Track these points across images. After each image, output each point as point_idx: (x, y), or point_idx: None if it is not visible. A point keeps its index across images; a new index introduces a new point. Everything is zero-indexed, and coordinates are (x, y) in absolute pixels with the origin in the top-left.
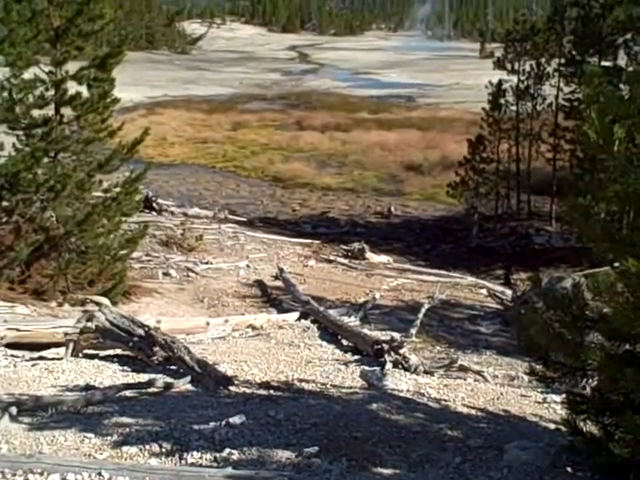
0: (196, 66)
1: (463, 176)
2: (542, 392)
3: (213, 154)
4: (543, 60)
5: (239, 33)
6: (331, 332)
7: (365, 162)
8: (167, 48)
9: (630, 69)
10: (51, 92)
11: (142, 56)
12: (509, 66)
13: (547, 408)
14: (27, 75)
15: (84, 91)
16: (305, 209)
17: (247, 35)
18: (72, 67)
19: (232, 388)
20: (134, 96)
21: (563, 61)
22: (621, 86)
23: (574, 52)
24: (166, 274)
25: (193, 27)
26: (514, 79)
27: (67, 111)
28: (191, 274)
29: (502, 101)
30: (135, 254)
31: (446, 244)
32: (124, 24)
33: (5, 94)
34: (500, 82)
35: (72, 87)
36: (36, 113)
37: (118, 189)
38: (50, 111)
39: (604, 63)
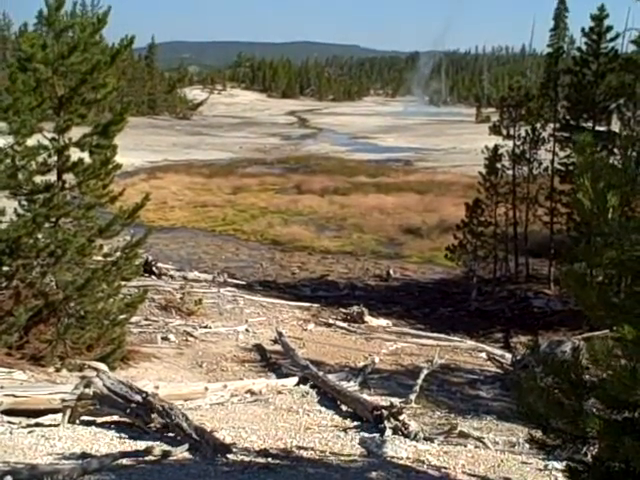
0: (197, 131)
1: (461, 239)
2: (543, 459)
3: (213, 217)
4: (538, 125)
5: (239, 99)
6: (330, 397)
7: (364, 225)
8: (168, 114)
9: (623, 134)
10: (54, 159)
11: (144, 121)
12: (505, 131)
13: (549, 475)
14: (30, 142)
15: (86, 157)
16: (304, 272)
17: (247, 101)
18: (75, 134)
19: (230, 456)
20: (135, 161)
21: (558, 126)
22: (615, 150)
23: (568, 117)
24: (165, 338)
25: (194, 93)
26: (510, 144)
27: (69, 177)
28: (190, 338)
29: (498, 165)
30: (134, 318)
31: (445, 307)
32: (127, 91)
33: (8, 161)
34: (496, 147)
35: (75, 154)
36: (38, 179)
37: (118, 253)
38: (52, 177)
39: (598, 128)
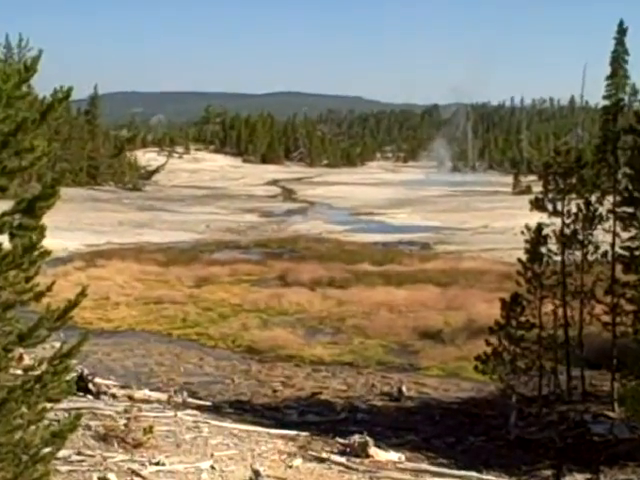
0: (150, 205)
1: (496, 346)
2: None
3: (170, 318)
4: (593, 199)
5: (206, 164)
6: None
7: (368, 328)
8: (114, 183)
9: None
10: None
11: (82, 193)
12: (550, 206)
13: None
14: None
15: (5, 242)
16: (289, 390)
17: (216, 167)
18: None
19: None
20: (70, 244)
21: (618, 199)
22: None
23: (631, 188)
24: (103, 479)
25: (148, 157)
26: (558, 222)
27: None
28: (137, 479)
29: (543, 250)
30: (62, 452)
31: (475, 436)
32: (61, 155)
33: None
34: (540, 226)
35: None
36: None
37: (44, 366)
38: None
39: None
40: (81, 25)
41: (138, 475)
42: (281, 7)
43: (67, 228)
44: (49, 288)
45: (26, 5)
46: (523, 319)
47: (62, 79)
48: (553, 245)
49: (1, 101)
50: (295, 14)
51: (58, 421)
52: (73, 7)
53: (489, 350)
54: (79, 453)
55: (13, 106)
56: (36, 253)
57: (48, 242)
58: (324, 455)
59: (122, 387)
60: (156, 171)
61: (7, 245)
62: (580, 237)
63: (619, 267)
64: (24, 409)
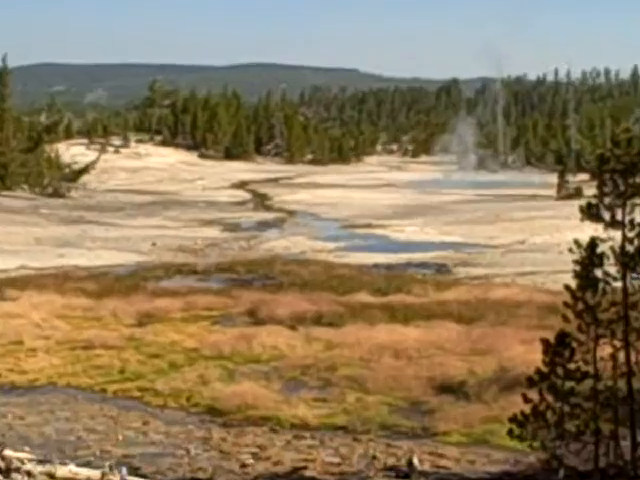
0: (78, 217)
1: (537, 403)
2: None
3: (104, 368)
4: None
5: (152, 161)
6: None
7: (367, 379)
8: (29, 187)
9: None
10: None
11: None
12: (607, 215)
13: None
14: None
15: None
16: (263, 464)
17: (165, 164)
18: None
19: None
20: None
21: None
22: None
23: None
24: None
25: (74, 152)
26: (618, 236)
27: None
28: None
29: (598, 273)
30: None
31: None
32: None
33: None
34: (594, 241)
35: None
36: None
37: None
38: None
39: None
40: None
41: None
42: None
43: None
44: None
45: None
46: (573, 366)
47: None
48: (612, 267)
49: None
50: None
51: None
52: None
53: (528, 409)
54: None
55: None
56: None
57: None
58: None
59: (40, 462)
60: (85, 170)
61: None
62: None
63: None
64: None
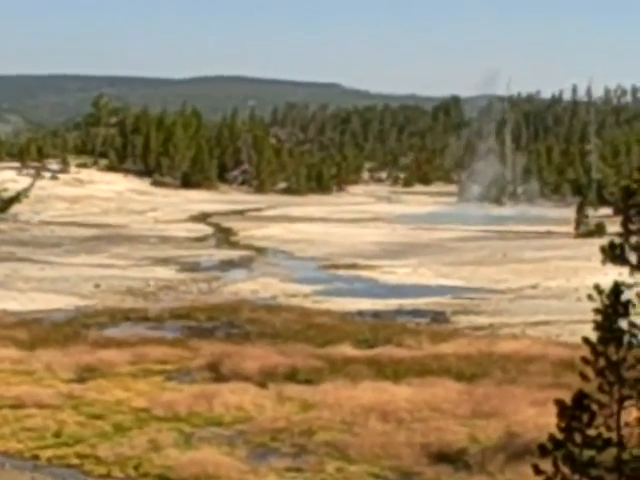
0: (8, 254)
1: (550, 475)
2: None
3: (36, 431)
4: None
5: (96, 189)
6: None
7: (350, 446)
8: None
9: None
10: None
11: None
12: (634, 256)
13: None
14: None
15: None
16: None
17: (112, 193)
18: None
19: None
20: None
21: None
22: None
23: None
24: None
25: (3, 177)
26: None
27: None
28: None
29: (623, 324)
30: None
31: None
32: None
33: None
34: (618, 287)
35: None
36: None
37: None
38: None
39: None
40: None
41: None
42: None
43: None
44: None
45: None
46: (593, 433)
47: None
48: (639, 317)
49: None
50: None
51: None
52: None
53: None
54: None
55: None
56: None
57: None
58: None
59: None
60: (16, 199)
61: None
62: None
63: None
64: None
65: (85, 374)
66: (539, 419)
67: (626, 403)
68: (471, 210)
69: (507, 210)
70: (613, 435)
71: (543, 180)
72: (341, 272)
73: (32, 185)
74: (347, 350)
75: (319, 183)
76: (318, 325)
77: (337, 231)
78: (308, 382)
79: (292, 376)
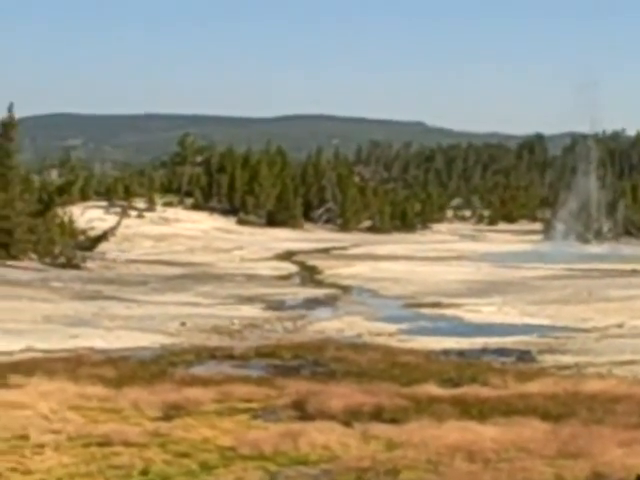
0: (94, 292)
1: None
2: None
3: (123, 469)
4: None
5: (181, 227)
6: None
7: None
8: (38, 256)
9: None
10: None
11: None
12: None
13: None
14: None
15: None
16: None
17: (197, 231)
18: None
19: None
20: None
21: None
22: None
23: None
24: None
25: (91, 216)
26: None
27: None
28: None
29: None
30: None
31: None
32: None
33: None
34: None
35: None
36: None
37: None
38: None
39: None
40: None
41: None
42: None
43: None
44: None
45: None
46: None
47: None
48: None
49: None
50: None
51: None
52: None
53: None
54: None
55: None
56: None
57: None
58: None
59: None
60: (103, 238)
61: None
62: None
63: None
64: None
65: (171, 412)
66: (626, 459)
67: None
68: (558, 248)
69: (595, 248)
70: None
71: (629, 219)
72: (425, 310)
73: (119, 223)
74: (432, 389)
75: (403, 221)
76: (403, 364)
77: (421, 269)
78: (393, 421)
79: (377, 415)
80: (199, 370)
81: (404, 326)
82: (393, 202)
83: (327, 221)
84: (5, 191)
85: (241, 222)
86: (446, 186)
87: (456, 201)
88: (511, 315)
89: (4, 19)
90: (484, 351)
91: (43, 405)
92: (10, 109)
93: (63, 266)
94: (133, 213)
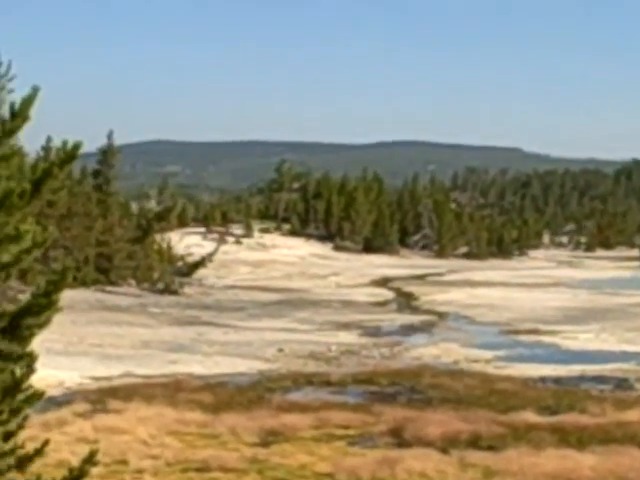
0: (192, 317)
1: None
2: None
3: None
4: None
5: (278, 253)
6: None
7: None
8: (136, 282)
9: None
10: None
11: (87, 297)
12: None
13: None
14: None
15: None
16: None
17: (294, 257)
18: None
19: None
20: (68, 376)
21: None
22: None
23: None
24: None
25: (189, 242)
26: None
27: None
28: None
29: None
30: None
31: None
32: (56, 240)
33: None
34: None
35: None
36: None
37: None
38: None
39: None
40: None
41: None
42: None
43: (63, 351)
44: (39, 450)
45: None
46: None
47: (58, 123)
48: None
49: None
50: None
51: None
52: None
53: None
54: None
55: None
56: (21, 396)
57: (36, 374)
58: None
59: None
60: (201, 264)
61: None
62: None
63: None
64: None
65: (269, 438)
66: None
67: None
68: None
69: None
70: None
71: None
72: (522, 337)
73: (217, 250)
74: (530, 416)
75: (499, 247)
76: (500, 391)
77: (518, 296)
78: (491, 449)
79: (474, 442)
80: (296, 396)
81: (501, 353)
82: (489, 228)
83: (423, 247)
84: (105, 218)
85: (337, 248)
86: (543, 212)
87: (569, 226)
88: (609, 342)
89: (107, 49)
90: (582, 378)
91: (142, 430)
92: (110, 136)
93: (161, 292)
94: (230, 239)
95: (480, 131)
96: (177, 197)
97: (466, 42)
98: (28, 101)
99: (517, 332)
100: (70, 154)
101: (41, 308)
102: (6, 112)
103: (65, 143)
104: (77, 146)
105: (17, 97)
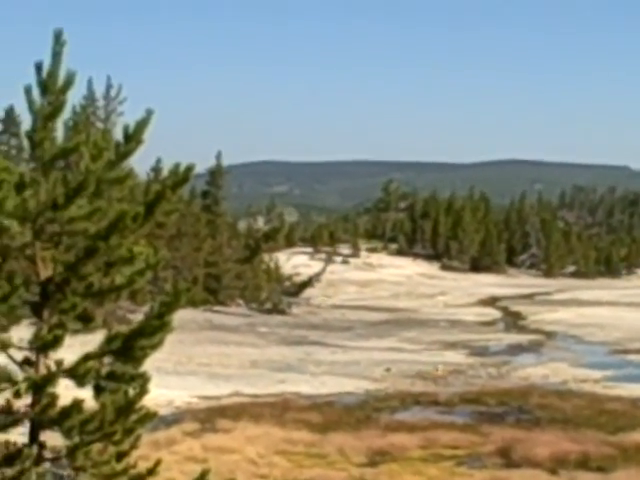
0: (300, 337)
1: None
2: None
3: None
4: None
5: (385, 273)
6: None
7: None
8: (244, 302)
9: None
10: (25, 400)
11: (196, 316)
12: None
13: None
14: None
15: (89, 398)
16: None
17: (401, 277)
18: (69, 353)
19: None
20: (177, 395)
21: None
22: None
23: None
24: None
25: (296, 262)
26: None
27: (53, 436)
28: None
29: None
30: None
31: None
32: (167, 259)
33: None
34: None
35: (67, 390)
36: None
37: None
38: (23, 437)
39: None
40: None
41: None
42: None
43: (173, 371)
44: (152, 469)
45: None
46: None
47: (167, 144)
48: None
49: (87, 187)
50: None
51: None
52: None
53: None
54: None
55: (103, 195)
56: (134, 417)
57: (150, 395)
58: None
59: None
60: (308, 283)
61: (91, 404)
62: None
63: None
64: None
65: (376, 458)
66: None
67: None
68: None
69: None
70: None
71: None
72: (632, 357)
73: (324, 269)
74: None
75: (608, 266)
76: (609, 411)
77: (627, 315)
78: (600, 470)
79: (584, 463)
80: (404, 416)
81: (610, 373)
82: (597, 247)
83: (531, 266)
84: (213, 238)
85: (444, 267)
86: None
87: None
88: None
89: (215, 70)
90: None
91: (250, 449)
92: (218, 157)
93: (269, 311)
94: (338, 259)
95: (587, 149)
96: (285, 217)
97: (575, 63)
98: (142, 124)
99: (626, 351)
100: (183, 177)
101: (154, 329)
102: (119, 134)
103: (177, 166)
104: (189, 169)
105: (129, 119)
